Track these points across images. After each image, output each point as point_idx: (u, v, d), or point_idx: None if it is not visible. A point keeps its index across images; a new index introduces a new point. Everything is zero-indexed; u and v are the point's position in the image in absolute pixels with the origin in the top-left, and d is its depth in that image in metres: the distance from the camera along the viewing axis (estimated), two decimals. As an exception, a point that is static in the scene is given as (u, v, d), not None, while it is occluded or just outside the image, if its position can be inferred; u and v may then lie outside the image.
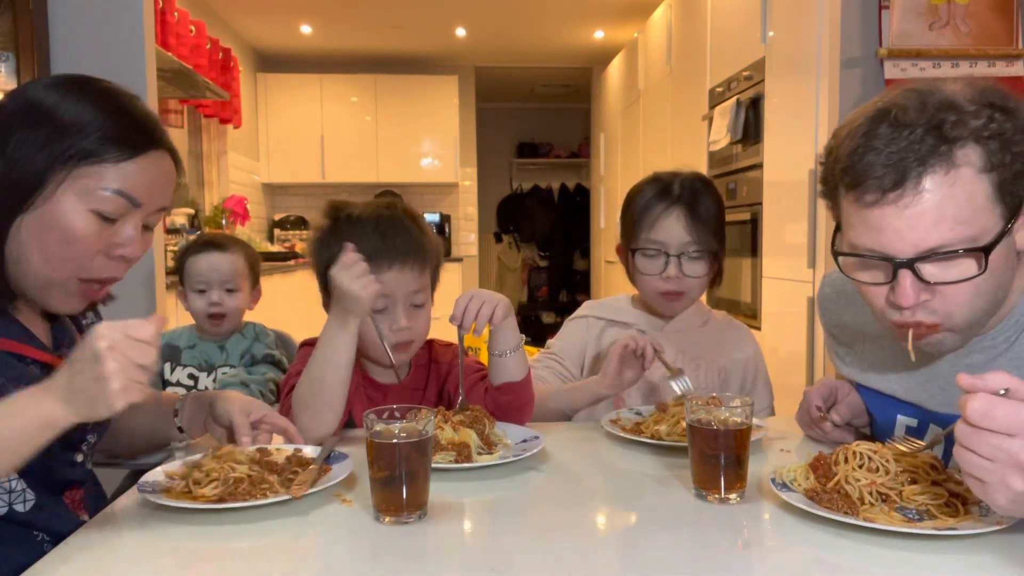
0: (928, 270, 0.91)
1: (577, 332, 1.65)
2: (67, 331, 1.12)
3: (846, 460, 0.95)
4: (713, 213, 1.53)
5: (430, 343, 1.44)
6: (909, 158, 0.88)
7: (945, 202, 0.88)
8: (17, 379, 0.97)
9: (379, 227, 1.31)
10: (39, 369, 1.01)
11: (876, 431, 1.23)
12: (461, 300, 1.26)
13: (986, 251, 0.89)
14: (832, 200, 0.99)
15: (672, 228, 1.50)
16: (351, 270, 1.19)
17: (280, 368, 1.93)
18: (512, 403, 1.32)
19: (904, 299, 0.92)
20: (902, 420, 1.14)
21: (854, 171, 0.91)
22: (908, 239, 0.90)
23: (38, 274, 0.98)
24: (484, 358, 1.39)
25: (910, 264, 0.90)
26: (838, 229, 1.00)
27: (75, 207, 0.96)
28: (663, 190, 1.53)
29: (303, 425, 1.22)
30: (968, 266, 0.90)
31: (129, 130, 0.99)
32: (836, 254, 0.99)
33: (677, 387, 1.36)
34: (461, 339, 1.31)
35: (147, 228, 1.04)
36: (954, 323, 0.94)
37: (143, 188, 1.00)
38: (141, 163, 0.99)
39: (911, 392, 1.11)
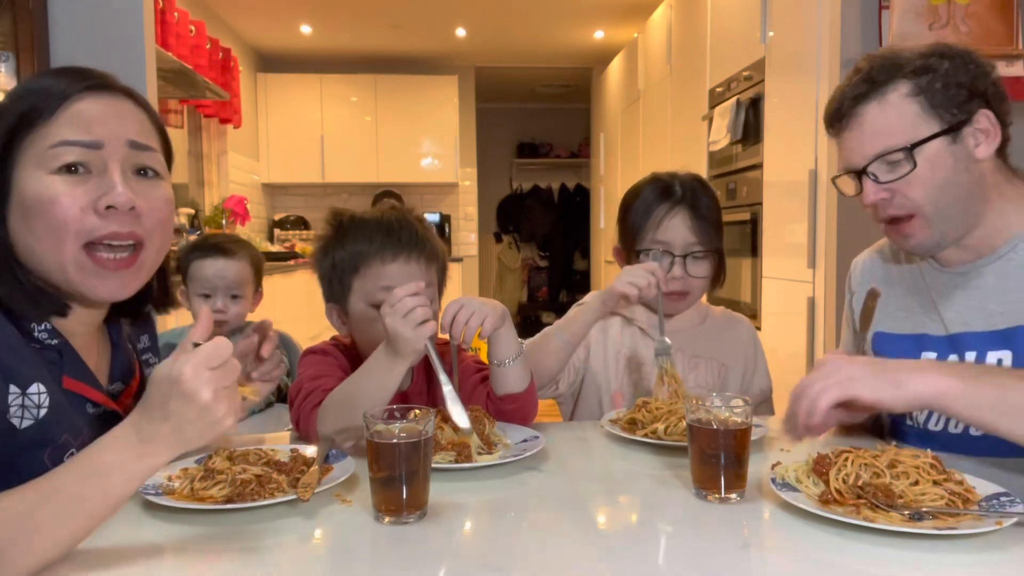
0: (879, 172, 1.19)
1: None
2: (127, 361, 1.09)
3: (842, 461, 0.96)
4: (713, 212, 1.55)
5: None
6: (848, 96, 1.22)
7: (877, 120, 1.19)
8: (74, 430, 0.95)
9: (383, 224, 1.32)
10: (93, 409, 1.00)
11: None
12: (451, 308, 1.23)
13: (911, 149, 1.16)
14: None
15: (677, 229, 1.52)
16: (395, 309, 1.12)
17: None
18: (515, 412, 1.31)
19: (866, 198, 1.21)
20: (924, 355, 1.27)
21: (824, 116, 1.28)
22: (858, 152, 1.21)
23: (51, 264, 0.93)
24: (485, 356, 1.39)
25: (863, 170, 1.20)
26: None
27: (35, 177, 0.92)
28: (664, 191, 1.54)
29: (328, 435, 1.22)
30: (906, 164, 1.17)
31: (55, 83, 0.94)
32: (833, 179, 1.29)
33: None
34: (454, 349, 1.30)
35: (144, 173, 0.98)
36: (925, 214, 1.19)
37: (94, 126, 0.94)
38: (76, 105, 0.94)
39: (935, 320, 1.27)
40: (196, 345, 0.81)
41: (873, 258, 1.42)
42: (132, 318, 1.13)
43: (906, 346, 1.29)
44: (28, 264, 0.95)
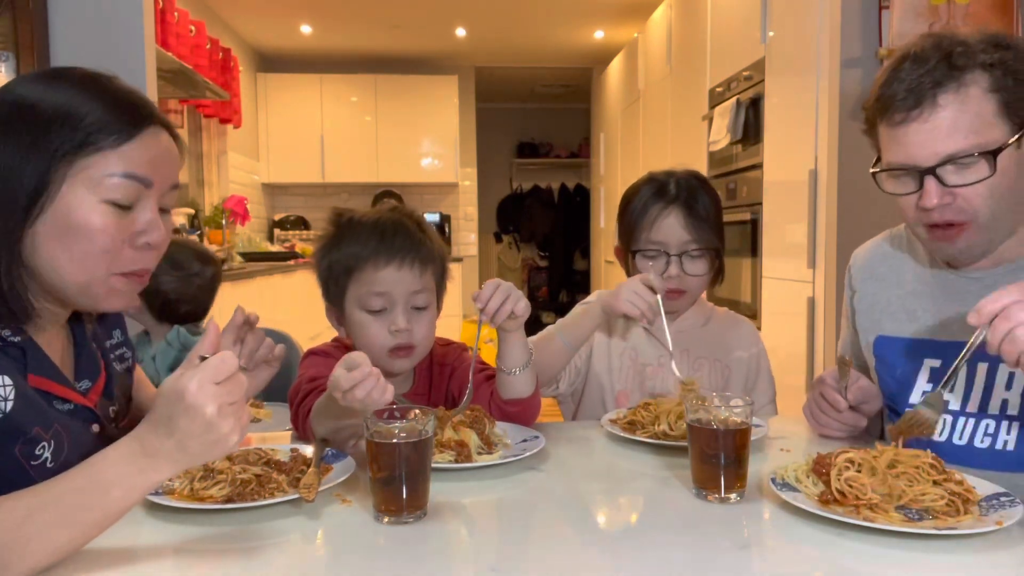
0: (948, 175, 1.09)
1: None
2: (92, 359, 1.07)
3: (841, 464, 0.95)
4: (711, 210, 1.53)
5: None
6: (926, 82, 1.08)
7: (958, 116, 1.07)
8: (45, 423, 0.94)
9: (378, 227, 1.31)
10: (63, 406, 0.99)
11: (895, 387, 1.27)
12: (489, 286, 1.24)
13: (994, 154, 1.07)
14: (873, 135, 1.19)
15: (671, 228, 1.50)
16: (347, 399, 1.04)
17: None
18: (519, 415, 1.32)
19: (928, 201, 1.10)
20: (928, 363, 1.22)
21: (884, 99, 1.12)
22: (929, 148, 1.09)
23: (74, 281, 0.94)
24: (486, 356, 1.38)
25: (932, 170, 1.09)
26: (878, 160, 1.19)
27: (87, 201, 0.92)
28: (660, 190, 1.53)
29: (322, 435, 1.21)
30: (981, 169, 1.08)
31: (120, 110, 0.95)
32: (873, 173, 1.18)
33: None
34: (480, 324, 1.28)
35: (164, 211, 1.01)
36: (980, 222, 1.11)
37: (150, 166, 0.96)
38: (141, 141, 0.95)
39: (944, 325, 1.22)
40: (203, 359, 0.81)
41: (874, 253, 1.37)
42: (96, 317, 1.12)
43: (908, 352, 1.25)
44: (40, 272, 0.94)
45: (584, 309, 1.49)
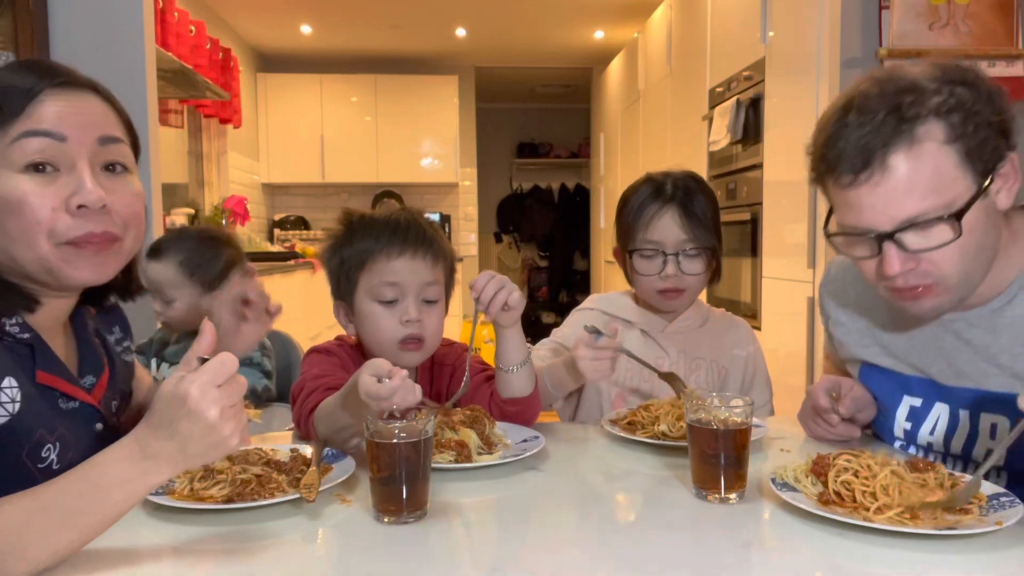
0: (909, 239, 0.98)
1: (582, 323, 1.63)
2: (94, 354, 1.07)
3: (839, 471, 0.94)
4: (707, 210, 1.54)
5: None
6: (874, 140, 0.96)
7: (913, 175, 0.96)
8: (49, 424, 0.94)
9: (391, 222, 1.33)
10: (66, 403, 0.98)
11: (880, 417, 1.25)
12: (484, 276, 1.25)
13: (958, 216, 0.96)
14: (821, 186, 1.07)
15: (667, 227, 1.51)
16: (381, 405, 1.01)
17: (262, 370, 1.88)
18: (519, 414, 1.32)
19: (890, 268, 0.99)
20: (908, 400, 1.18)
21: (828, 159, 1.01)
22: (885, 213, 0.98)
23: (24, 258, 0.92)
24: (486, 356, 1.39)
25: (891, 236, 0.99)
26: (831, 212, 1.07)
27: (3, 175, 0.89)
28: (656, 190, 1.54)
29: (323, 435, 1.22)
30: (945, 232, 0.97)
31: (17, 76, 0.91)
32: (827, 235, 1.07)
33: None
34: (476, 314, 1.28)
35: (111, 169, 0.96)
36: (949, 284, 1.01)
37: (60, 120, 0.91)
38: (45, 103, 0.91)
39: (919, 365, 1.16)
40: (202, 360, 0.80)
41: (845, 275, 1.29)
42: (97, 307, 1.11)
43: (890, 385, 1.20)
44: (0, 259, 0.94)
45: (568, 366, 1.37)
